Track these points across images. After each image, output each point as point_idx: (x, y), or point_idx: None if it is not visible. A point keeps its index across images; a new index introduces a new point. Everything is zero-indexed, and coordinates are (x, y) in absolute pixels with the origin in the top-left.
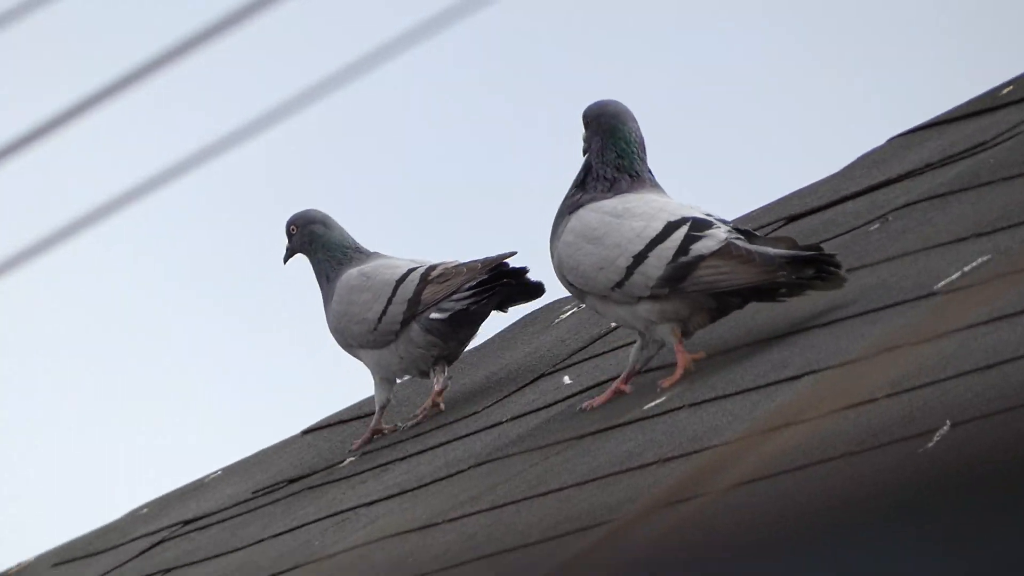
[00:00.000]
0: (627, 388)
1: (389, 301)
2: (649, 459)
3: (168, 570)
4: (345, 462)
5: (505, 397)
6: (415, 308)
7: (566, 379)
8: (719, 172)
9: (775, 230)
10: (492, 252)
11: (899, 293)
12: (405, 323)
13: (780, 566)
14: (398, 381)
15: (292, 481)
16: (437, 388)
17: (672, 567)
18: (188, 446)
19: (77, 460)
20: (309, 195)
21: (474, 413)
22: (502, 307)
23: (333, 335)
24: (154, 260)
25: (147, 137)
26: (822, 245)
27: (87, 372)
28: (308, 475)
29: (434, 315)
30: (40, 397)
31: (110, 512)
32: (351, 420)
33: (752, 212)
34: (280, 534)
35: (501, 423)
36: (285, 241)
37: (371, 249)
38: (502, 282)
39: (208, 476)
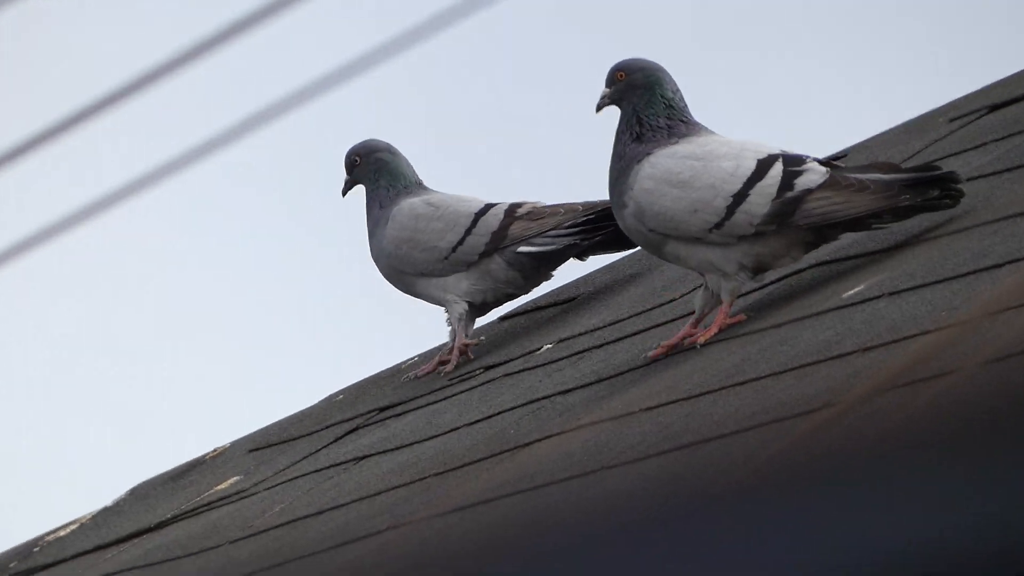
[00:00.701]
0: (697, 334)
1: (467, 232)
2: (848, 348)
3: (362, 457)
4: (542, 348)
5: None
6: (499, 242)
7: None
8: (920, 62)
9: (977, 119)
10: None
11: None
12: (484, 255)
13: (981, 461)
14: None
15: (489, 368)
16: (462, 340)
17: (874, 461)
18: (385, 333)
19: (274, 346)
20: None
21: (671, 301)
22: (582, 255)
23: (383, 261)
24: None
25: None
26: (935, 164)
27: (287, 262)
28: (505, 362)
29: (524, 249)
30: (240, 288)
31: (306, 398)
32: (548, 307)
33: (955, 101)
34: (476, 422)
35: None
36: (344, 175)
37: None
38: (609, 227)
39: (405, 362)
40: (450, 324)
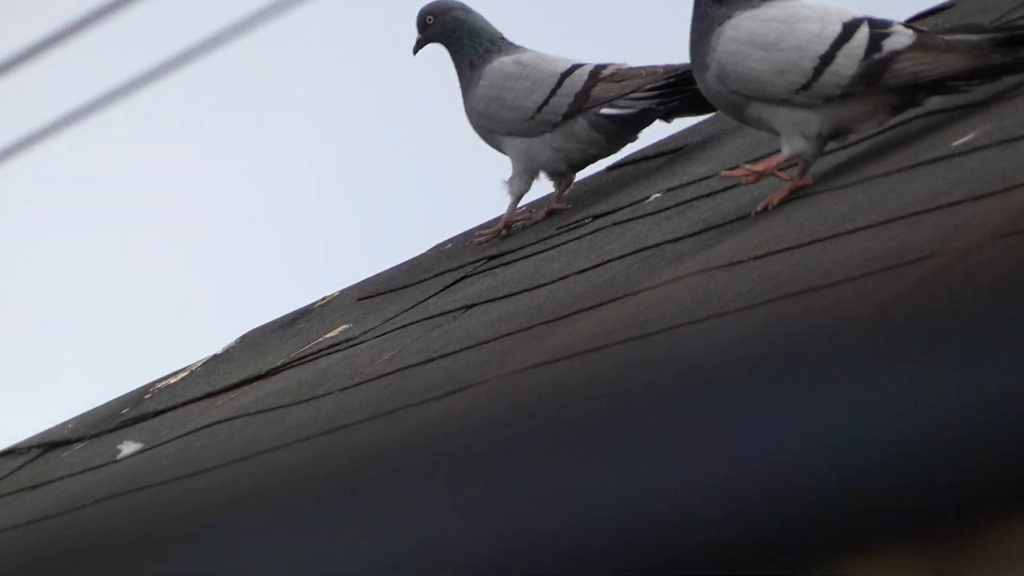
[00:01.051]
0: (807, 179)
1: (552, 92)
2: (957, 197)
3: (470, 306)
4: (651, 197)
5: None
6: (582, 103)
7: None
8: None
9: None
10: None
11: None
12: (568, 116)
13: None
14: (538, 178)
15: (597, 217)
16: (554, 203)
17: (984, 309)
18: (493, 183)
19: (380, 196)
20: None
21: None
22: (668, 117)
23: (474, 119)
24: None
25: None
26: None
27: (393, 114)
28: (614, 211)
29: (606, 111)
30: (345, 139)
31: (414, 247)
32: (655, 156)
33: None
34: (584, 270)
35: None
36: (415, 34)
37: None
38: (689, 90)
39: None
40: (510, 190)
